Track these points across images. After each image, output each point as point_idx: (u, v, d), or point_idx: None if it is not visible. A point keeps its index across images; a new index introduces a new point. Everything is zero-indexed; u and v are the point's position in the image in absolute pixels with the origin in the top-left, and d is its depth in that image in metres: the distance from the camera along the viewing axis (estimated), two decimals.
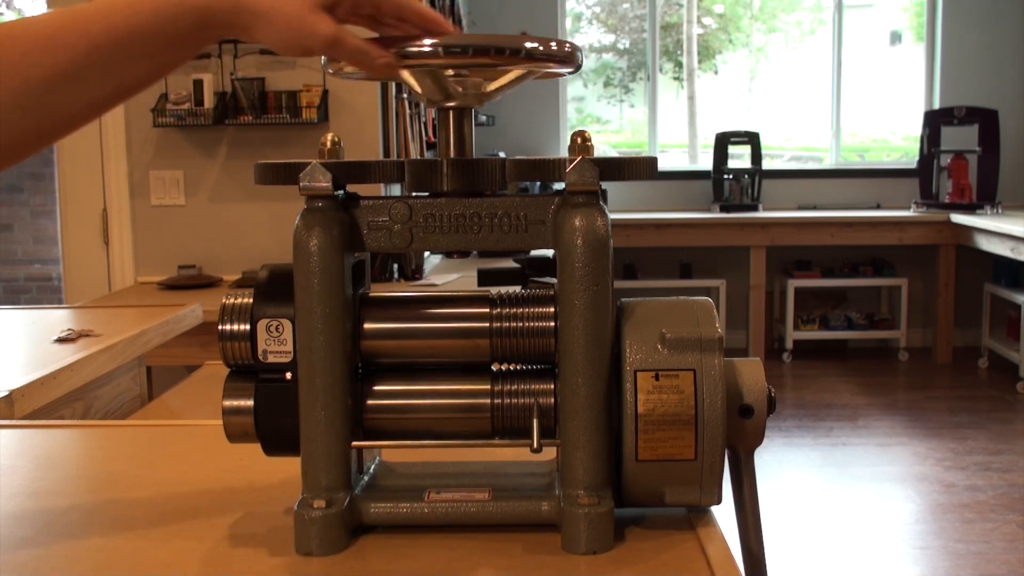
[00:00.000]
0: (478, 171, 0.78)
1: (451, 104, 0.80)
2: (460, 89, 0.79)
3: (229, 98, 3.57)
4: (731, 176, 5.97)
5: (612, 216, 0.77)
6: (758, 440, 0.79)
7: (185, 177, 3.69)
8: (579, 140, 0.75)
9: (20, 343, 1.95)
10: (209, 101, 3.54)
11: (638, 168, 0.76)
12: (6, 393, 1.48)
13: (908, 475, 3.96)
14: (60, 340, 1.86)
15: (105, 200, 3.69)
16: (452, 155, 0.80)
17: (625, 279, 5.95)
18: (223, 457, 0.98)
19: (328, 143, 0.78)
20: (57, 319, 2.13)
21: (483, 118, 5.60)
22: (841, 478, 3.93)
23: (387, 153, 3.77)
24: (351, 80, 0.81)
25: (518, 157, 0.79)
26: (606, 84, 7.10)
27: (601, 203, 0.75)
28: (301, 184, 0.75)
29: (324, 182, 0.75)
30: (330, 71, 0.77)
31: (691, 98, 6.94)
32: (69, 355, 1.74)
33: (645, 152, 6.47)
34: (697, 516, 0.80)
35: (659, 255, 6.02)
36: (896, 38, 7.07)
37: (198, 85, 3.51)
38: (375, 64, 0.73)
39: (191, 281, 3.54)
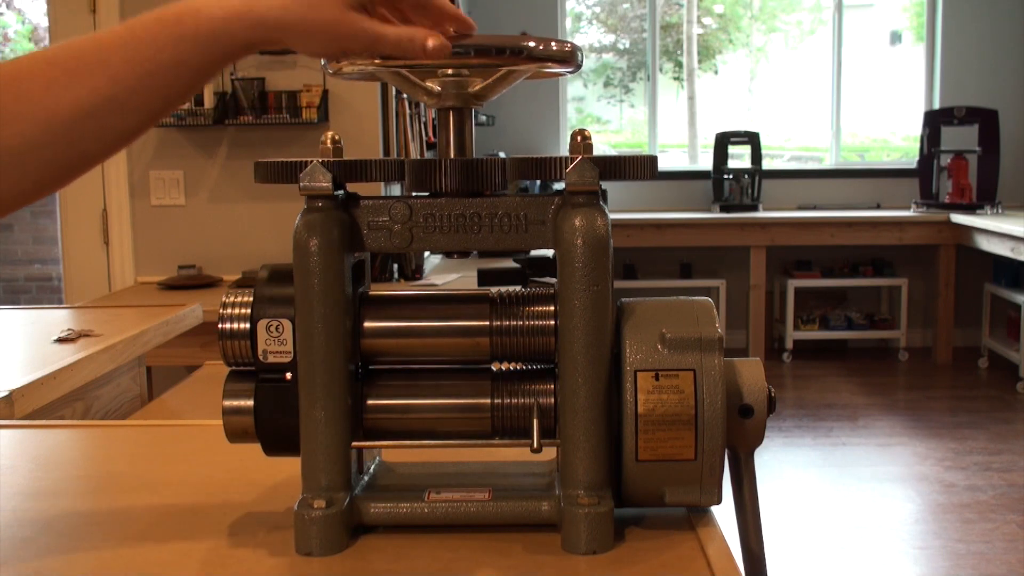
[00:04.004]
0: (478, 171, 0.78)
1: (450, 104, 0.80)
2: (442, 88, 0.78)
3: (229, 98, 3.57)
4: (731, 176, 5.97)
5: (612, 216, 0.77)
6: (758, 440, 0.79)
7: (185, 177, 3.69)
8: (579, 139, 0.75)
9: (20, 343, 1.95)
10: (209, 101, 3.54)
11: (638, 168, 0.76)
12: (6, 393, 1.48)
13: (908, 475, 3.96)
14: (60, 340, 1.86)
15: (105, 200, 3.69)
16: (452, 155, 0.80)
17: (625, 279, 5.95)
18: (223, 457, 0.98)
19: (328, 142, 0.78)
20: (57, 319, 2.13)
21: (483, 118, 5.60)
22: (841, 478, 3.93)
23: (387, 153, 3.77)
24: (351, 80, 0.80)
25: (518, 156, 0.79)
26: (606, 84, 7.10)
27: (601, 203, 0.75)
28: (301, 184, 0.75)
29: (324, 182, 0.75)
30: (331, 71, 0.77)
31: (691, 98, 6.94)
32: (69, 355, 1.74)
33: (645, 152, 6.47)
34: (697, 516, 0.80)
35: (659, 255, 6.02)
36: (896, 38, 7.07)
37: None
38: (426, 48, 0.70)
39: (191, 281, 3.54)
